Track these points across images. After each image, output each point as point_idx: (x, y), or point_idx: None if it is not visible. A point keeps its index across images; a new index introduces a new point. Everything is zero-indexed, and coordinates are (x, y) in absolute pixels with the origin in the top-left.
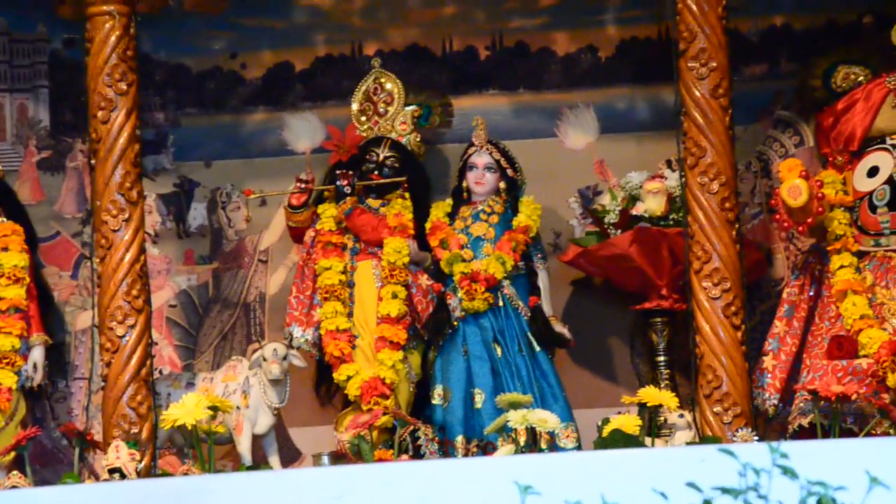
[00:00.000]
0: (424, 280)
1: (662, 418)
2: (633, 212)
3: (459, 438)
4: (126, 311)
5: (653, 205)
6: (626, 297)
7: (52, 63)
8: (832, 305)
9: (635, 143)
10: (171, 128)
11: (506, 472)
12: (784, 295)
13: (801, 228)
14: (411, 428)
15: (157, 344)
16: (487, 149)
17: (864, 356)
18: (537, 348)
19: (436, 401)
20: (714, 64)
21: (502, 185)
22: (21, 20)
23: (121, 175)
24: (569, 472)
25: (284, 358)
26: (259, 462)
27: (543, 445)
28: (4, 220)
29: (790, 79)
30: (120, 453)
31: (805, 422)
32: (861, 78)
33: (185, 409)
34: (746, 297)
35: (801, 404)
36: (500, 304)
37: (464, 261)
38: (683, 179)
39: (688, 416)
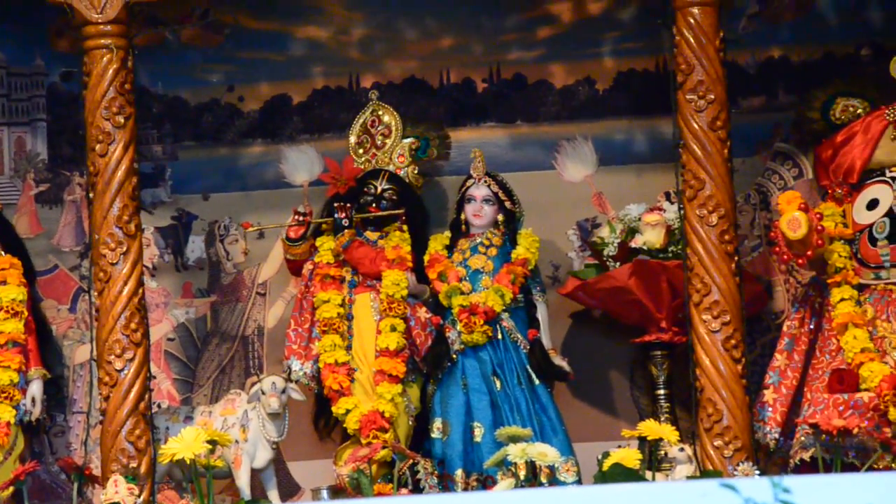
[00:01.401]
0: (423, 313)
1: (663, 452)
2: (632, 244)
3: (459, 472)
4: (124, 345)
5: (652, 237)
6: (626, 330)
7: (49, 96)
8: (833, 339)
9: (634, 175)
10: (169, 161)
11: None
12: (784, 328)
13: (800, 261)
14: (410, 462)
15: (155, 378)
16: (486, 181)
17: (866, 390)
18: (537, 381)
19: (435, 434)
20: (712, 96)
21: (500, 217)
22: (19, 54)
23: (119, 208)
24: None
25: (283, 391)
26: (258, 496)
27: (543, 479)
28: (2, 253)
29: (789, 111)
30: (119, 488)
31: (806, 456)
32: (860, 110)
33: (183, 443)
34: (746, 331)
35: (803, 438)
36: (499, 336)
37: (462, 293)
38: (682, 212)
39: (688, 450)
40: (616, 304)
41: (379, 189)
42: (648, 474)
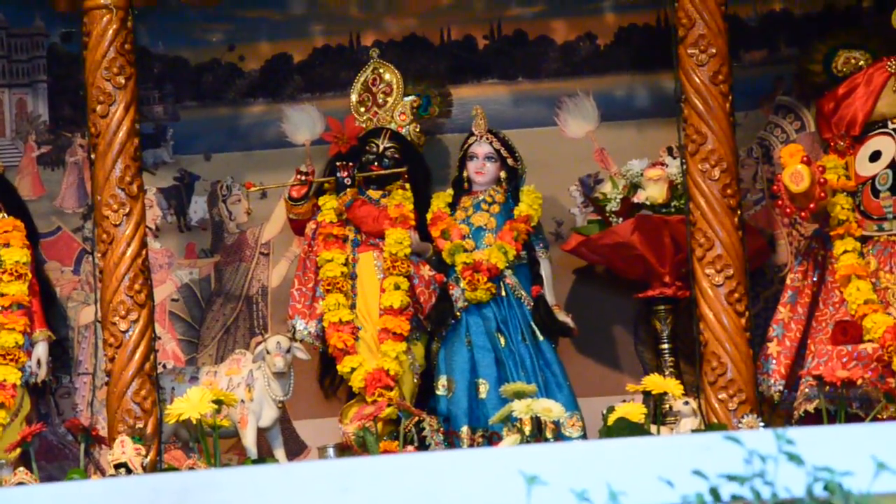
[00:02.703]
0: (426, 271)
1: (667, 406)
2: (635, 199)
3: (464, 429)
4: (129, 306)
5: (654, 192)
6: (629, 286)
7: (50, 57)
8: (836, 291)
9: (635, 130)
10: (171, 121)
11: (511, 463)
12: (787, 281)
13: (803, 214)
14: (416, 419)
15: (160, 338)
16: (487, 138)
17: (869, 341)
18: (541, 338)
19: (440, 391)
20: (713, 50)
21: (503, 174)
22: (19, 15)
23: (121, 169)
24: (574, 462)
25: (288, 350)
26: (264, 455)
27: (548, 435)
28: (5, 215)
29: (790, 64)
30: (125, 448)
31: (811, 407)
32: (862, 62)
33: (189, 404)
34: (750, 284)
35: (807, 390)
36: (503, 293)
37: (465, 251)
38: (684, 166)
39: (693, 404)
40: (619, 259)
41: (381, 147)
42: (653, 428)
